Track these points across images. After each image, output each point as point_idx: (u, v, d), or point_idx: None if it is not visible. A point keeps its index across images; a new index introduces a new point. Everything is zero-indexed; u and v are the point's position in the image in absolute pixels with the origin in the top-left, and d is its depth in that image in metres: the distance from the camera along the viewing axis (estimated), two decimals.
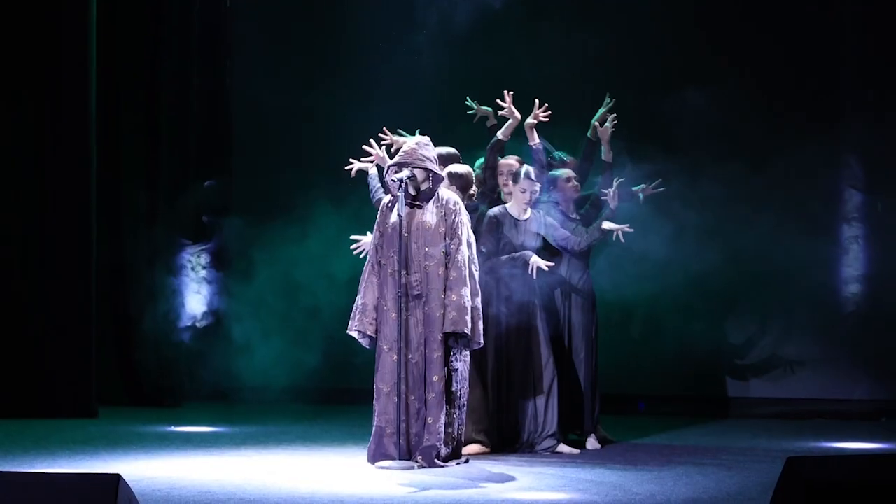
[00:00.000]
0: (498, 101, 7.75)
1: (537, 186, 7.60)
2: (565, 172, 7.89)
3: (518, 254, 7.46)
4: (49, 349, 9.33)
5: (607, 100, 8.02)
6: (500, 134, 7.76)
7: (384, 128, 7.76)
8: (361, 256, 7.47)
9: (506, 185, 7.73)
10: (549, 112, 7.73)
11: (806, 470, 4.54)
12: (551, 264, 7.42)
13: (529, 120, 7.70)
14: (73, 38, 9.48)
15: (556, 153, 8.07)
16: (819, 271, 9.73)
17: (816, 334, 9.81)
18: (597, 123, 7.95)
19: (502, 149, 7.82)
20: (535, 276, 7.38)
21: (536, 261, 7.37)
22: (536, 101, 7.69)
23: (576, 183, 7.87)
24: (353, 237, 7.66)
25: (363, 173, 7.63)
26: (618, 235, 7.63)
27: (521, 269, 7.42)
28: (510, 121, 7.70)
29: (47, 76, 9.48)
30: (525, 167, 7.61)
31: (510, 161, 7.79)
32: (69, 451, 7.33)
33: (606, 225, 7.61)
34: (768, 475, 6.12)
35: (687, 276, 9.94)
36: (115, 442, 7.83)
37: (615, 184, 7.74)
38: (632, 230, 7.62)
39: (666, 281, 9.39)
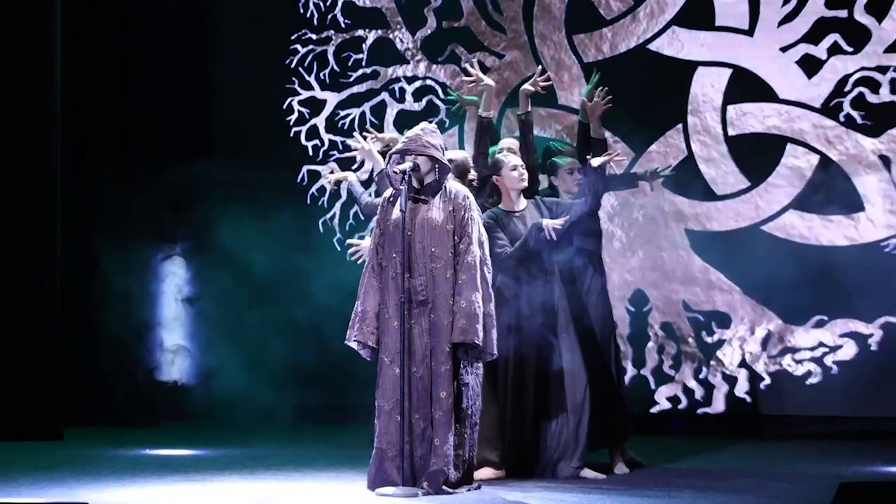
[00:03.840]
0: (462, 73, 7.86)
1: (517, 158, 7.53)
2: (568, 161, 7.90)
3: (524, 237, 7.42)
4: (6, 362, 9.33)
5: (595, 76, 8.09)
6: (481, 112, 7.78)
7: (368, 128, 7.83)
8: (360, 262, 7.50)
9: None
10: (550, 82, 7.81)
11: (861, 497, 4.54)
12: (558, 225, 7.33)
13: (527, 87, 7.74)
14: (38, 12, 9.48)
15: (552, 142, 8.15)
16: (866, 274, 9.75)
17: (868, 346, 9.81)
18: (586, 100, 7.98)
19: (490, 127, 7.80)
20: (553, 237, 7.35)
21: (548, 223, 7.35)
22: (540, 67, 7.81)
23: (578, 176, 7.82)
24: (350, 241, 7.71)
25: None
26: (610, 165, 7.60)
27: (535, 247, 7.40)
28: (484, 92, 7.76)
29: (6, 50, 9.48)
30: (499, 154, 7.56)
31: (510, 142, 7.83)
32: (31, 477, 7.32)
33: (595, 161, 7.45)
34: (819, 503, 6.12)
35: (712, 283, 9.99)
36: (82, 466, 7.83)
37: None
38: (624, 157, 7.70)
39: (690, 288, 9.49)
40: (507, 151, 7.72)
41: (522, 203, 7.58)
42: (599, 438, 7.65)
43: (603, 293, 7.94)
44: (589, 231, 7.87)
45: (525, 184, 7.56)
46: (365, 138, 7.72)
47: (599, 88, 7.93)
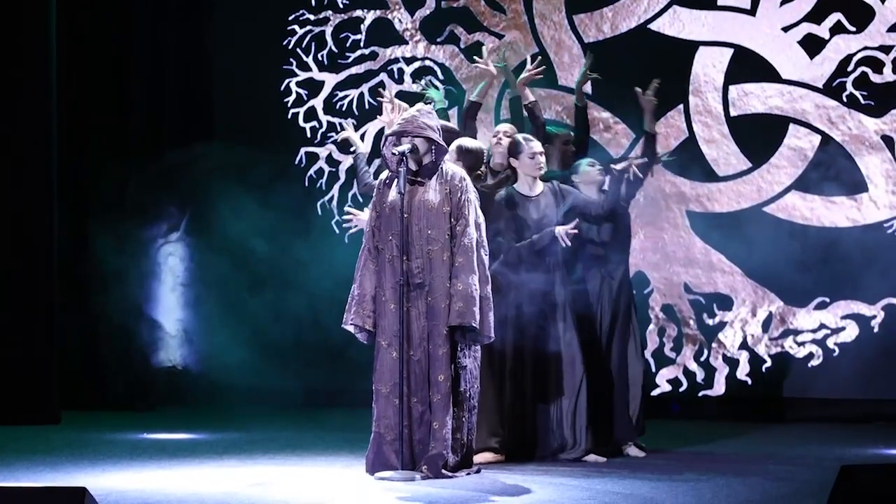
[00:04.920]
0: (475, 56, 8.09)
1: (538, 146, 7.54)
2: (562, 133, 8.03)
3: (538, 236, 7.45)
4: (4, 347, 9.32)
5: (588, 59, 8.24)
6: (473, 96, 8.00)
7: (383, 90, 7.86)
8: (353, 232, 7.53)
9: (498, 142, 7.78)
10: (544, 67, 7.92)
11: (863, 480, 4.54)
12: (574, 230, 7.37)
13: (522, 77, 7.87)
14: None
15: (549, 127, 8.20)
16: (868, 255, 9.75)
17: (870, 328, 9.81)
18: (640, 93, 8.02)
19: (476, 112, 7.98)
20: (568, 244, 7.36)
21: (561, 230, 7.36)
22: (528, 56, 7.91)
23: (572, 146, 7.94)
24: (347, 209, 7.75)
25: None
26: (633, 172, 7.64)
27: (547, 247, 7.41)
28: (485, 80, 7.91)
29: (3, 29, 9.44)
30: (520, 135, 7.61)
31: (506, 127, 7.89)
32: (28, 461, 7.34)
33: (638, 168, 7.60)
34: (820, 486, 6.12)
35: (713, 264, 9.99)
36: (80, 451, 7.84)
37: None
38: (642, 160, 7.72)
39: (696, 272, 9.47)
40: (503, 135, 7.74)
41: (538, 187, 7.56)
42: (604, 432, 7.64)
43: (627, 283, 7.93)
44: (620, 226, 7.85)
45: (542, 172, 7.55)
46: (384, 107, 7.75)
47: (655, 81, 7.96)
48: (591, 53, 8.29)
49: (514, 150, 7.54)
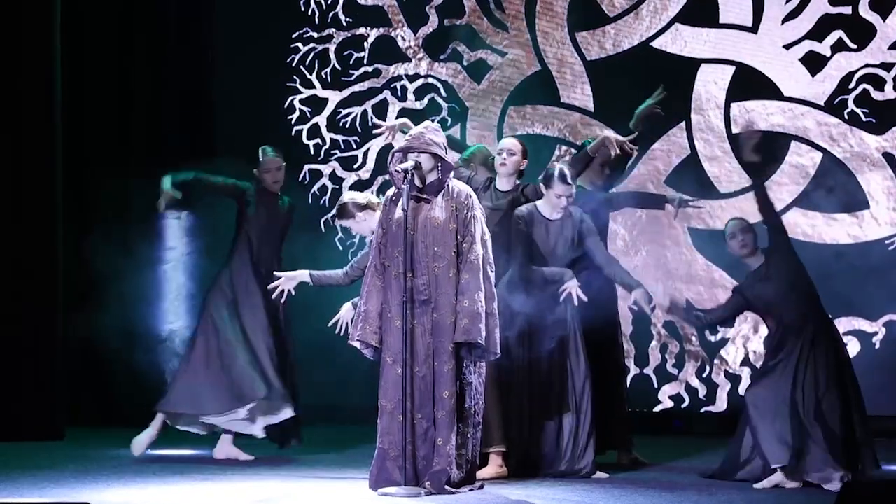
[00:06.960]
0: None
1: (574, 190, 7.56)
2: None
3: (557, 271, 7.47)
4: (7, 362, 9.32)
5: (659, 91, 8.32)
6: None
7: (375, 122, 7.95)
8: (340, 333, 7.54)
9: (503, 164, 7.74)
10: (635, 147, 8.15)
11: (865, 495, 4.55)
12: (584, 299, 7.42)
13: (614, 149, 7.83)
14: (36, 12, 9.48)
15: (586, 140, 8.23)
16: (870, 272, 9.76)
17: (872, 344, 9.81)
18: (642, 114, 8.19)
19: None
20: (561, 301, 7.41)
21: (573, 287, 7.40)
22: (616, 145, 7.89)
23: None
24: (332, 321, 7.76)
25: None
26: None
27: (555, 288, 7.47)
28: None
29: (5, 53, 9.47)
30: (559, 167, 7.55)
31: (512, 142, 7.84)
32: (32, 477, 7.33)
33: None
34: (823, 501, 6.13)
35: (715, 281, 9.99)
36: (84, 467, 7.84)
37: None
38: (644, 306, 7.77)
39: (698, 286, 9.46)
40: (508, 154, 7.71)
41: (557, 215, 7.58)
42: (604, 441, 7.69)
43: (611, 295, 7.98)
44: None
45: (562, 213, 7.57)
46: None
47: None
48: (663, 89, 8.37)
49: (547, 182, 7.50)
